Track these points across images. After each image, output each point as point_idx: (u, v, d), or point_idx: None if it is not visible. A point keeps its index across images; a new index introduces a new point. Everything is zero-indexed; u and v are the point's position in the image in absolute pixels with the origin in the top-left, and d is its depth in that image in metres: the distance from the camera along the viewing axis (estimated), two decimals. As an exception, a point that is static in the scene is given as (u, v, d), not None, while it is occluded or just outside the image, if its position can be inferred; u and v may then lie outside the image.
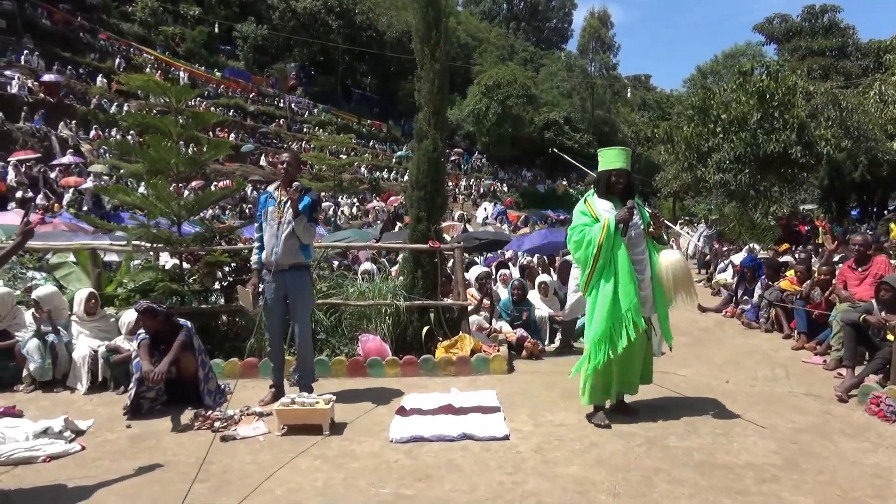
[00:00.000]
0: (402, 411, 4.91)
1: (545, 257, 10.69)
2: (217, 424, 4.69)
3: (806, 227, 20.87)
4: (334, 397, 4.75)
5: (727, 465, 3.91)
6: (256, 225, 5.30)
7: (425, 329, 6.41)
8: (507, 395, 5.41)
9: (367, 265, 8.24)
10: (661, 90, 76.33)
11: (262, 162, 35.10)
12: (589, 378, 4.66)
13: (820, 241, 17.33)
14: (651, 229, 4.69)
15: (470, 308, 6.87)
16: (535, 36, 75.54)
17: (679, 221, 26.27)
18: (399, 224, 25.49)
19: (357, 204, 35.13)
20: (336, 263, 9.42)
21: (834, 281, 7.55)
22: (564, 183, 56.45)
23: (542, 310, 7.83)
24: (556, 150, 25.08)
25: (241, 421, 4.78)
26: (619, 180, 4.62)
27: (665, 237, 4.93)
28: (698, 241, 17.99)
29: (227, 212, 25.77)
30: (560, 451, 4.17)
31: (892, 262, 7.34)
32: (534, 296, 8.02)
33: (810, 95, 17.14)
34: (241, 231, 8.07)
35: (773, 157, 16.30)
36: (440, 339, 6.42)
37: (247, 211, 26.74)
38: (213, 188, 24.02)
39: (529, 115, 51.86)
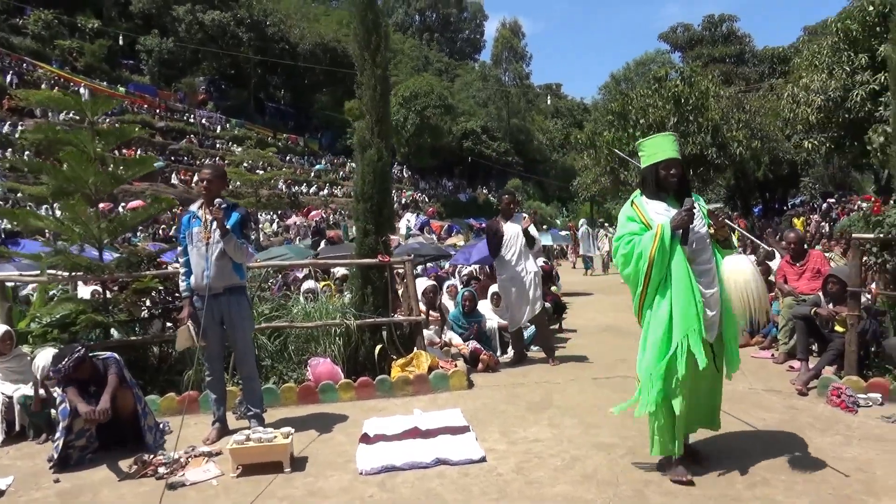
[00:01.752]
0: (365, 438, 4.58)
1: (488, 267, 10.54)
2: (162, 470, 4.20)
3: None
4: (293, 430, 4.35)
5: (714, 470, 3.81)
6: (180, 248, 4.84)
7: (378, 348, 6.08)
8: (472, 412, 5.17)
9: (309, 284, 7.83)
10: (572, 98, 78.72)
11: (174, 180, 33.58)
12: (651, 423, 3.70)
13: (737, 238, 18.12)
14: (713, 230, 3.71)
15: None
16: (449, 47, 76.34)
17: (598, 223, 26.84)
18: (323, 239, 24.88)
19: (277, 220, 34.17)
20: (272, 283, 8.91)
21: (772, 277, 7.77)
22: (484, 191, 57.09)
23: (492, 320, 7.65)
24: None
25: (188, 464, 4.31)
26: (670, 173, 3.64)
27: (733, 241, 3.89)
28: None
29: (139, 234, 24.39)
30: (542, 470, 3.96)
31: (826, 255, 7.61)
32: (484, 306, 7.83)
33: (721, 99, 17.92)
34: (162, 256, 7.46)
35: (691, 158, 16.90)
36: (394, 357, 6.11)
37: (160, 233, 25.42)
38: (121, 210, 22.68)
39: (447, 124, 52.11)
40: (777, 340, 6.87)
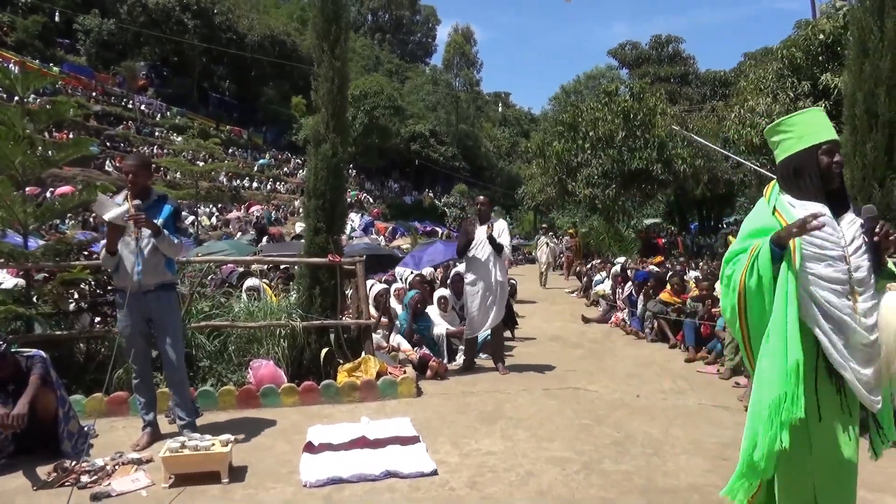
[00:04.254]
0: (310, 448, 4.33)
1: (440, 271, 10.41)
2: (85, 479, 3.84)
3: (663, 240, 22.43)
4: (233, 438, 4.07)
5: (671, 488, 3.75)
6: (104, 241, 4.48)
7: (324, 351, 5.83)
8: (421, 421, 4.99)
9: (252, 281, 7.47)
10: (520, 108, 79.68)
11: (108, 167, 32.13)
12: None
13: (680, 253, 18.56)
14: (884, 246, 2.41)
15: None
16: (400, 49, 76.04)
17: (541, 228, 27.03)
18: (265, 235, 24.27)
19: (216, 214, 33.15)
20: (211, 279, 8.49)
21: (717, 292, 7.88)
22: (430, 194, 57.05)
23: (440, 326, 7.49)
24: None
25: (114, 472, 3.96)
26: (834, 161, 2.45)
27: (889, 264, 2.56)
28: (561, 252, 18.62)
29: (67, 221, 23.16)
30: (496, 485, 3.81)
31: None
32: (431, 311, 7.66)
33: (666, 117, 18.36)
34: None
35: (637, 173, 17.24)
36: (341, 361, 5.87)
37: (91, 220, 24.22)
38: (48, 196, 21.49)
39: (396, 126, 51.86)
40: (722, 356, 6.95)
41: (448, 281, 9.07)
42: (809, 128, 2.55)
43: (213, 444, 3.91)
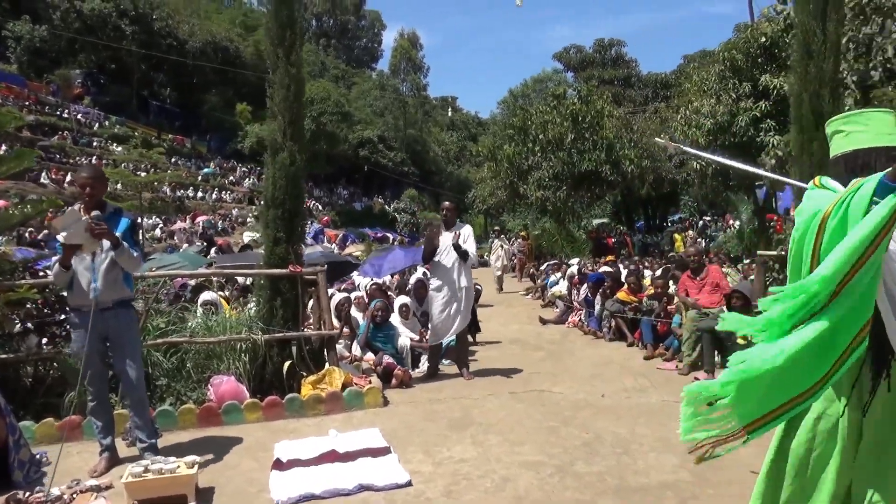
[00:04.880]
0: (278, 464, 4.22)
1: (397, 278, 10.33)
2: (41, 510, 3.65)
3: (613, 240, 22.86)
4: (199, 459, 3.93)
5: (643, 487, 3.80)
6: (58, 256, 4.29)
7: (287, 364, 5.70)
8: (390, 431, 4.92)
9: (209, 295, 7.25)
10: (468, 112, 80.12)
11: (44, 179, 30.86)
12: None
13: (629, 252, 18.94)
14: None
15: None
16: (346, 54, 75.47)
17: (493, 231, 27.24)
18: (213, 246, 23.69)
19: (161, 226, 32.20)
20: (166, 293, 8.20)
21: (674, 290, 8.08)
22: (380, 200, 56.79)
23: (404, 336, 7.43)
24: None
25: (73, 501, 3.78)
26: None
27: None
28: (513, 254, 18.72)
29: (1, 237, 22.08)
30: (473, 493, 3.78)
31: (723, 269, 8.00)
32: (394, 319, 7.60)
33: (613, 119, 18.75)
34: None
35: (587, 174, 17.53)
36: (304, 374, 5.75)
37: (27, 236, 23.19)
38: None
39: (344, 132, 51.46)
40: (680, 352, 7.10)
41: (408, 287, 9.02)
42: (887, 127, 2.32)
43: (178, 467, 3.76)
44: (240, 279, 9.08)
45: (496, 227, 20.90)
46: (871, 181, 1.94)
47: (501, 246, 17.22)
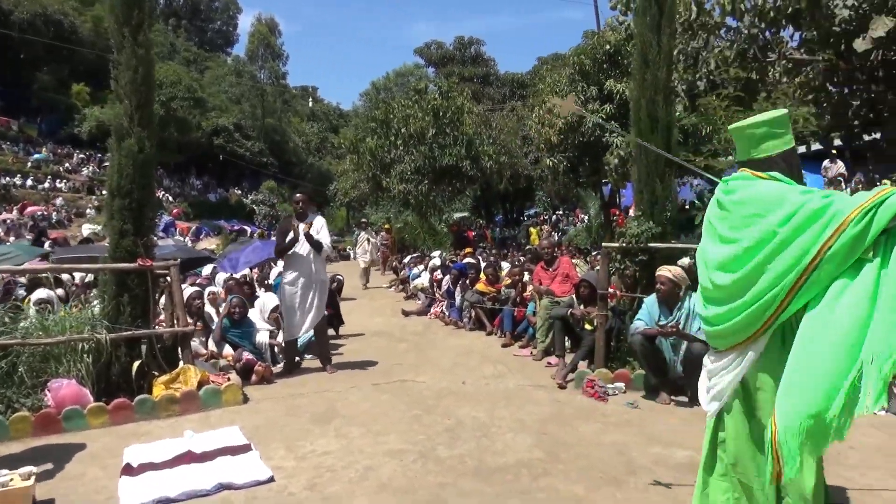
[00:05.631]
0: (129, 470, 3.98)
1: (256, 272, 9.97)
2: None
3: (473, 233, 23.54)
4: (35, 469, 3.62)
5: (501, 466, 4.00)
6: None
7: (136, 364, 5.37)
8: (252, 429, 4.80)
9: (43, 293, 6.59)
10: (329, 102, 78.78)
11: None
12: None
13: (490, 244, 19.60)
14: None
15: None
16: (199, 37, 71.39)
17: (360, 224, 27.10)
18: (47, 240, 21.61)
19: (-18, 216, 28.80)
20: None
21: (527, 279, 8.52)
22: (237, 191, 54.47)
23: (263, 332, 7.22)
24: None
25: None
26: None
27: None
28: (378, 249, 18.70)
29: None
30: (337, 484, 3.80)
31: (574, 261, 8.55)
32: (253, 315, 7.35)
33: (473, 115, 19.31)
34: None
35: (448, 169, 17.92)
36: (156, 374, 5.44)
37: None
38: None
39: (196, 119, 48.73)
40: (534, 339, 7.51)
41: (267, 281, 8.77)
42: (738, 143, 2.72)
43: (12, 479, 3.44)
44: (78, 275, 8.36)
45: (362, 220, 20.70)
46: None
47: (368, 239, 16.69)
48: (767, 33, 8.17)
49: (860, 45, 6.79)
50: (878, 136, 9.01)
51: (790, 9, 7.54)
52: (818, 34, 7.73)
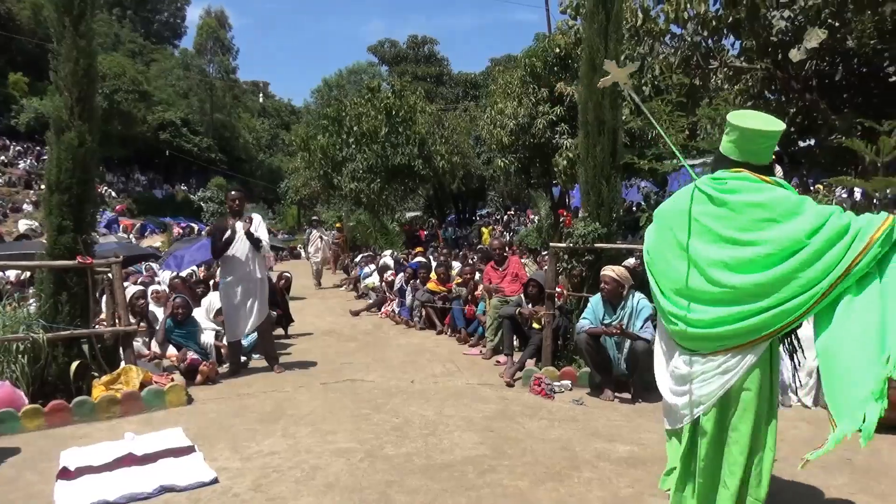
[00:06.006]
0: (65, 474, 3.87)
1: (199, 271, 9.76)
2: None
3: (425, 232, 23.60)
4: (-35, 474, 3.49)
5: (448, 463, 4.04)
6: None
7: (75, 365, 5.21)
8: (196, 430, 4.72)
9: (-26, 290, 6.33)
10: (280, 98, 77.52)
11: None
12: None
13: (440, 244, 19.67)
14: None
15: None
16: (144, 28, 69.14)
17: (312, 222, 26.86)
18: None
19: None
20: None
21: (479, 278, 8.60)
22: (184, 188, 53.12)
23: (207, 329, 7.10)
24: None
25: None
26: None
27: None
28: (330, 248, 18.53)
29: None
30: (283, 484, 3.77)
31: (522, 260, 8.66)
32: (199, 314, 7.23)
33: (426, 115, 19.33)
34: None
35: (400, 168, 17.90)
36: (97, 374, 5.29)
37: None
38: None
39: (142, 113, 47.24)
40: (484, 338, 7.59)
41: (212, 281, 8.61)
42: (744, 144, 2.78)
43: (-61, 485, 3.31)
44: (13, 272, 8.04)
45: (314, 218, 20.42)
46: None
47: (321, 238, 16.28)
48: (710, 41, 8.45)
49: (795, 55, 7.08)
50: (812, 142, 9.42)
51: (731, 18, 7.81)
52: (756, 44, 8.03)
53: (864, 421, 2.23)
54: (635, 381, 5.40)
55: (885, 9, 6.86)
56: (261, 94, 69.16)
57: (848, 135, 7.20)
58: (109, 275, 5.53)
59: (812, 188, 9.26)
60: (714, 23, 8.01)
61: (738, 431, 2.68)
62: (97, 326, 5.59)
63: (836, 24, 7.38)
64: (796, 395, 5.16)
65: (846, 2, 7.07)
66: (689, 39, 8.33)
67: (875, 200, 6.89)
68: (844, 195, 11.58)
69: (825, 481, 3.66)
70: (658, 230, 2.87)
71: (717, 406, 2.70)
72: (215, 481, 3.80)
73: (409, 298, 9.74)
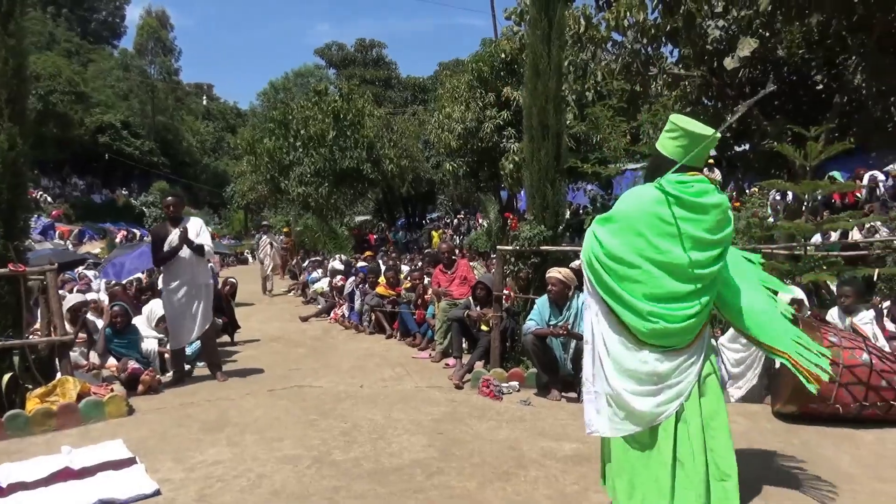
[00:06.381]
0: (-4, 491, 3.72)
1: (144, 279, 9.48)
2: None
3: (374, 237, 23.51)
4: None
5: (396, 467, 4.05)
6: None
7: (7, 377, 5.00)
8: (137, 441, 4.59)
9: None
10: (225, 101, 76.00)
11: None
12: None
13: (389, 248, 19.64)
14: None
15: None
16: (81, 27, 66.76)
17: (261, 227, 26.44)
18: None
19: None
20: None
21: (428, 282, 8.63)
22: (125, 192, 51.50)
23: (150, 339, 6.91)
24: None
25: None
26: None
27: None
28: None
29: None
30: (227, 494, 3.71)
31: (472, 263, 8.73)
32: (139, 322, 7.03)
33: (374, 118, 19.31)
34: None
35: (348, 172, 17.81)
36: (30, 386, 5.09)
37: None
38: None
39: (79, 115, 45.63)
40: (433, 341, 7.62)
41: (159, 288, 8.37)
42: (692, 148, 2.81)
43: None
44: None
45: (264, 223, 19.96)
46: None
47: (271, 243, 15.74)
48: (649, 49, 8.72)
49: (729, 63, 7.40)
50: (746, 147, 9.82)
51: (668, 27, 8.09)
52: (693, 52, 8.34)
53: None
54: (581, 381, 5.51)
55: (812, 19, 7.21)
56: (205, 97, 67.72)
57: (779, 140, 7.54)
58: (43, 282, 5.33)
59: (747, 191, 9.63)
60: (653, 31, 8.27)
61: (719, 417, 2.81)
62: (31, 337, 5.38)
63: (767, 34, 7.72)
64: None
65: (776, 12, 7.40)
66: (629, 47, 8.59)
67: (804, 202, 7.21)
68: (778, 197, 12.08)
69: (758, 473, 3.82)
70: (623, 233, 2.80)
71: (693, 396, 2.78)
72: (157, 493, 3.71)
73: (358, 303, 9.70)
